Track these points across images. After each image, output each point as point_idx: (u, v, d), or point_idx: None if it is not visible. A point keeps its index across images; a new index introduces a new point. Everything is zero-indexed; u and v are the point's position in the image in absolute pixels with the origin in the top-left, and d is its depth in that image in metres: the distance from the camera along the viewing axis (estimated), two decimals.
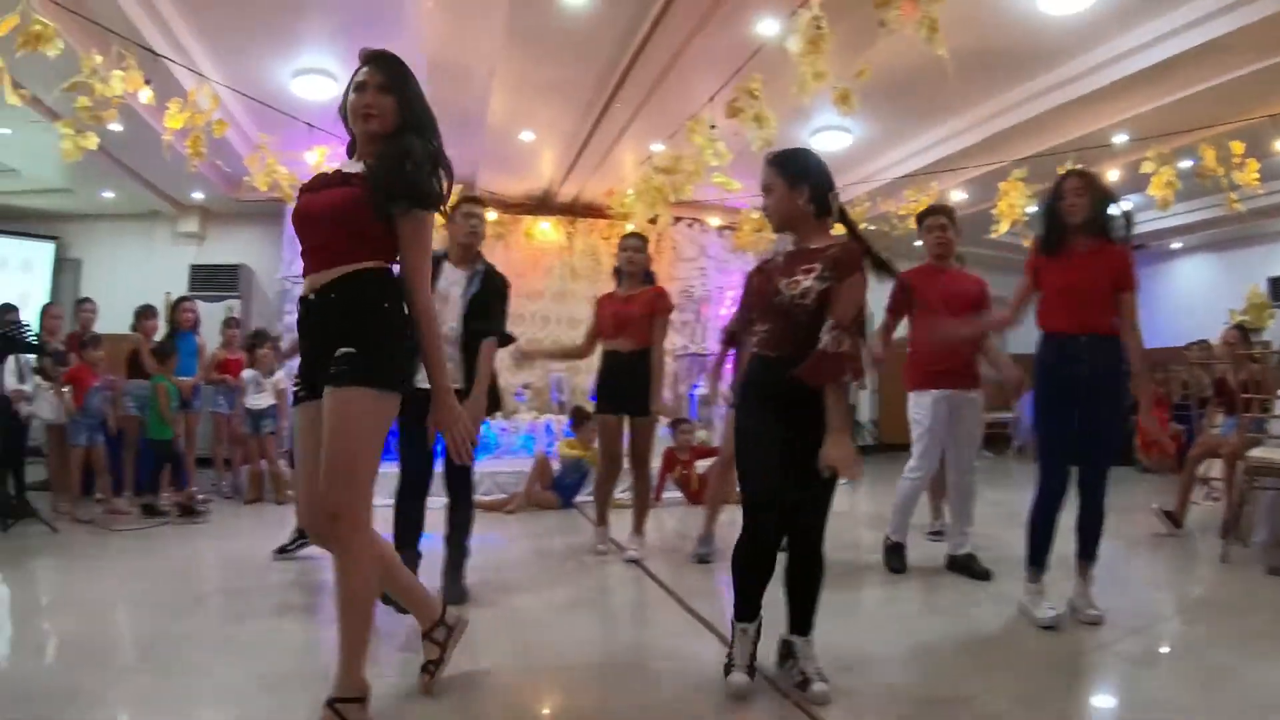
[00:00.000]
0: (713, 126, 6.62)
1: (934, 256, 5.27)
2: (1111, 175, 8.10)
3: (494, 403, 4.64)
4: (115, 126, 7.59)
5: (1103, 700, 3.39)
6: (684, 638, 3.97)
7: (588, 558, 5.82)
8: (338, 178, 2.84)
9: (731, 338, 5.74)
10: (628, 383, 5.60)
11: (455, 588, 4.48)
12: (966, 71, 7.00)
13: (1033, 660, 3.67)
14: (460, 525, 4.63)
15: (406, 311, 2.79)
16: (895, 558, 5.27)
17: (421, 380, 2.87)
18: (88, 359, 7.43)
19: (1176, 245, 13.68)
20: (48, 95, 5.84)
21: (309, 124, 7.31)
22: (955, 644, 3.90)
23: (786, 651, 3.30)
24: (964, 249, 5.84)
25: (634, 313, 5.62)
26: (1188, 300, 13.36)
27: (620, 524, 6.04)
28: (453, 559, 4.60)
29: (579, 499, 8.07)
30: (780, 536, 3.17)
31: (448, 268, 4.62)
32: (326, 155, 7.61)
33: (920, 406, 5.15)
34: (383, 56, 2.90)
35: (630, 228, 10.63)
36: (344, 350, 2.65)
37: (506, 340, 4.71)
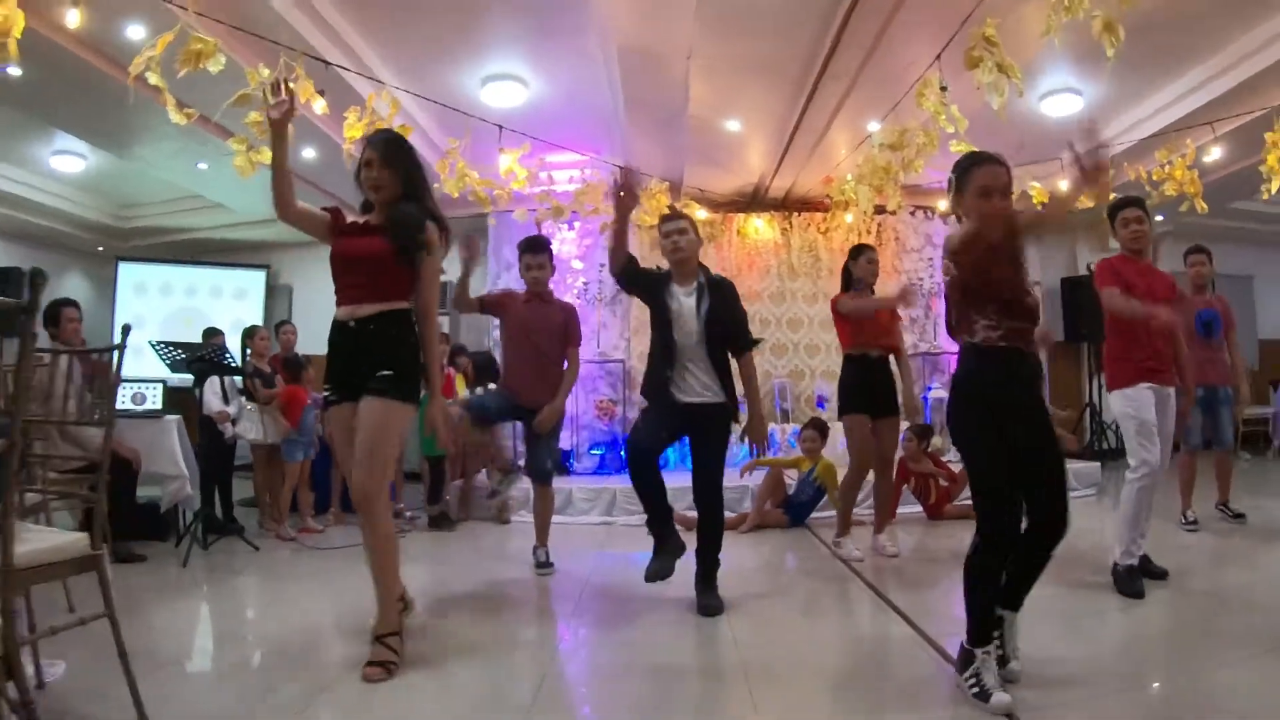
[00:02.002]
0: (944, 88, 5.93)
1: (1131, 251, 5.00)
2: None
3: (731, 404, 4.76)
4: (309, 152, 7.52)
5: None
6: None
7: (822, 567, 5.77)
8: (370, 228, 3.73)
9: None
10: (882, 385, 5.84)
11: (711, 598, 4.55)
12: (1205, 7, 6.37)
13: None
14: (711, 537, 4.68)
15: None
16: (1129, 581, 4.67)
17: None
18: (303, 380, 7.60)
19: None
20: (214, 113, 5.80)
21: (499, 125, 6.95)
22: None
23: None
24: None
25: (885, 317, 5.88)
26: None
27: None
28: (704, 570, 4.65)
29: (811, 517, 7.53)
30: (1016, 539, 3.11)
31: (675, 289, 4.71)
32: (519, 158, 7.33)
33: (1130, 400, 4.79)
34: (384, 139, 3.81)
35: (849, 218, 10.02)
36: (384, 372, 3.53)
37: (753, 344, 4.85)
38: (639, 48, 6.48)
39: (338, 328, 3.66)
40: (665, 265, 4.81)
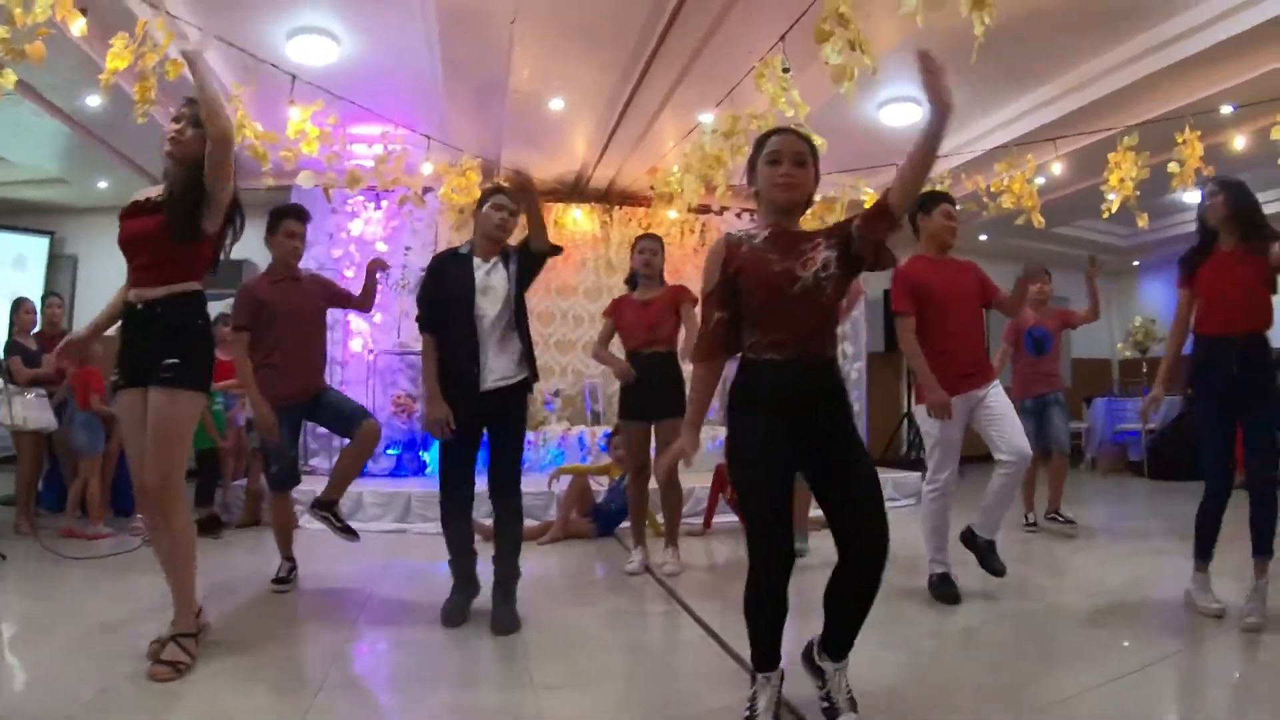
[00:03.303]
0: (786, 70, 5.55)
1: (939, 247, 4.92)
2: (1237, 144, 7.19)
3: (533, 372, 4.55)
4: (93, 100, 6.53)
5: None
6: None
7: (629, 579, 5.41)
8: (152, 205, 3.49)
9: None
10: (657, 387, 5.47)
11: (507, 614, 4.22)
12: (1058, 30, 6.46)
13: None
14: (511, 542, 4.40)
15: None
16: (942, 587, 4.70)
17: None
18: (88, 358, 6.44)
19: None
20: None
21: (293, 75, 6.17)
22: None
23: (814, 672, 3.01)
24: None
25: (658, 312, 5.54)
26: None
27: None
28: (502, 581, 4.34)
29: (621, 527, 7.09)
30: (789, 570, 2.77)
31: (478, 262, 4.44)
32: (311, 116, 6.65)
33: (929, 418, 4.67)
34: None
35: (673, 214, 9.67)
36: (170, 360, 3.36)
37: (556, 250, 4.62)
38: (460, 6, 5.95)
39: (126, 310, 3.53)
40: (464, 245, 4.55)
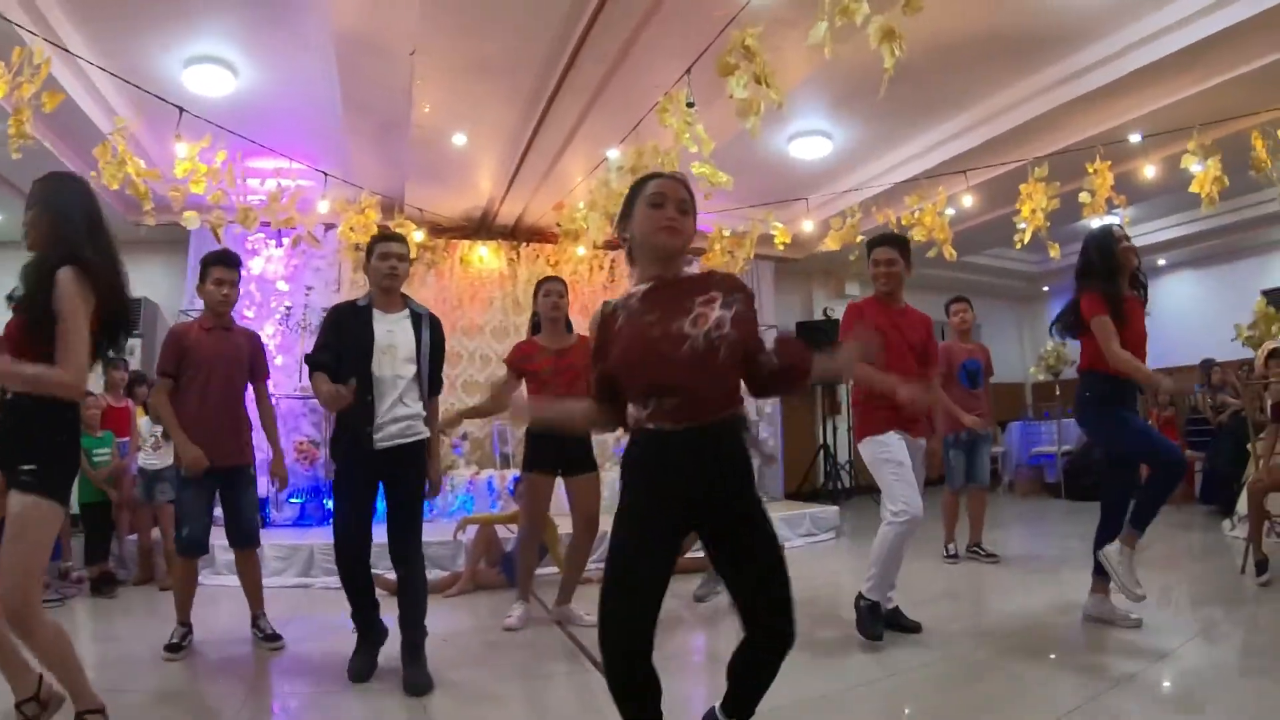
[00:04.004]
0: (691, 104, 5.49)
1: (882, 293, 4.97)
2: (1148, 172, 7.30)
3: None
4: None
5: None
6: None
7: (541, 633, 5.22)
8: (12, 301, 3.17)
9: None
10: (574, 440, 5.26)
11: (418, 673, 4.06)
12: (968, 62, 6.57)
13: None
14: (415, 601, 4.24)
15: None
16: (872, 621, 4.60)
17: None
18: None
19: (1162, 262, 13.48)
20: None
21: (179, 107, 5.88)
22: None
23: None
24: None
25: (577, 364, 5.19)
26: (1179, 318, 12.85)
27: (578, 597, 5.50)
28: (408, 644, 4.18)
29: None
30: (646, 659, 2.48)
31: (378, 315, 4.33)
32: (198, 153, 6.34)
33: (886, 446, 4.67)
34: (39, 180, 3.26)
35: (581, 250, 9.52)
36: (28, 467, 3.03)
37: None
38: (359, 37, 5.77)
39: None
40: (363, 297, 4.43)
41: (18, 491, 3.02)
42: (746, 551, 2.59)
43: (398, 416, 4.19)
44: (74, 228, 3.17)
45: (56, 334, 3.00)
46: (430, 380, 4.40)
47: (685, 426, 2.53)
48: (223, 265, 4.89)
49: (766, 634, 2.60)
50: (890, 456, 4.60)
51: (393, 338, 4.26)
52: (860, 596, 4.64)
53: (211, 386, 4.75)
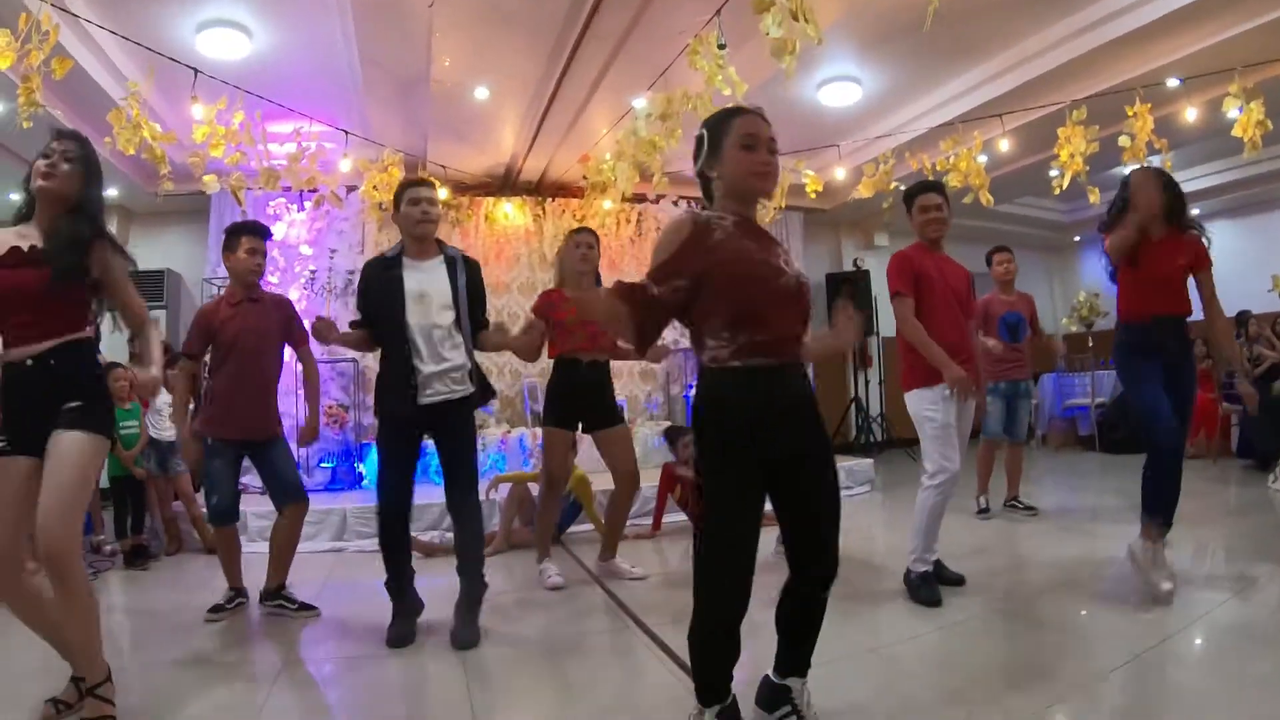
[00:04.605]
0: (722, 46, 5.31)
1: (929, 240, 4.79)
2: (1189, 115, 7.08)
3: (491, 391, 4.45)
4: None
5: None
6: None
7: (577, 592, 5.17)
8: (24, 257, 3.16)
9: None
10: (595, 394, 5.28)
11: (469, 629, 4.08)
12: (1004, 3, 6.43)
13: None
14: (475, 555, 4.28)
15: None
16: (925, 589, 4.46)
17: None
18: None
19: (1197, 211, 12.50)
20: None
21: (194, 69, 5.78)
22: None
23: (777, 696, 2.75)
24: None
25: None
26: (1215, 269, 12.14)
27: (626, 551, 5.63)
28: (468, 593, 4.22)
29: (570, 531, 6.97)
30: (746, 608, 2.51)
31: (409, 264, 4.25)
32: (215, 115, 6.27)
33: (930, 401, 4.50)
34: (78, 136, 3.32)
35: (608, 204, 9.41)
36: (72, 404, 3.10)
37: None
38: None
39: (12, 371, 3.19)
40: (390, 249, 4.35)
41: (64, 429, 3.06)
42: (814, 499, 2.59)
43: (441, 371, 4.11)
44: (100, 201, 3.37)
45: (112, 292, 3.30)
46: (474, 323, 4.31)
47: (774, 363, 2.51)
48: (253, 234, 4.82)
49: (813, 581, 2.62)
50: (934, 414, 4.47)
51: (425, 285, 4.18)
52: (909, 571, 4.55)
53: (239, 362, 4.69)
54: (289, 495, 4.81)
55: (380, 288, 4.19)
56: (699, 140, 2.67)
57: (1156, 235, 4.44)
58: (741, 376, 2.48)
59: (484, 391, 4.35)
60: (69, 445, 3.06)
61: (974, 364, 4.59)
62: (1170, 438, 4.33)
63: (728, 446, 2.48)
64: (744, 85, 5.44)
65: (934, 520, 4.50)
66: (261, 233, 4.89)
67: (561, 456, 5.36)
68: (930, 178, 7.30)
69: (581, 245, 5.28)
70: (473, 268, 4.38)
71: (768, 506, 2.54)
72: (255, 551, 5.75)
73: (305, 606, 4.77)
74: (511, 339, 5.02)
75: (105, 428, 3.22)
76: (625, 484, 5.31)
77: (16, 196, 3.31)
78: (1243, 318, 10.16)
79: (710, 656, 2.55)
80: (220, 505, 4.72)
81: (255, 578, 4.88)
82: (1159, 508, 4.34)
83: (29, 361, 3.13)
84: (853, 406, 12.23)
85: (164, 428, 6.87)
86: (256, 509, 5.03)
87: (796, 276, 2.58)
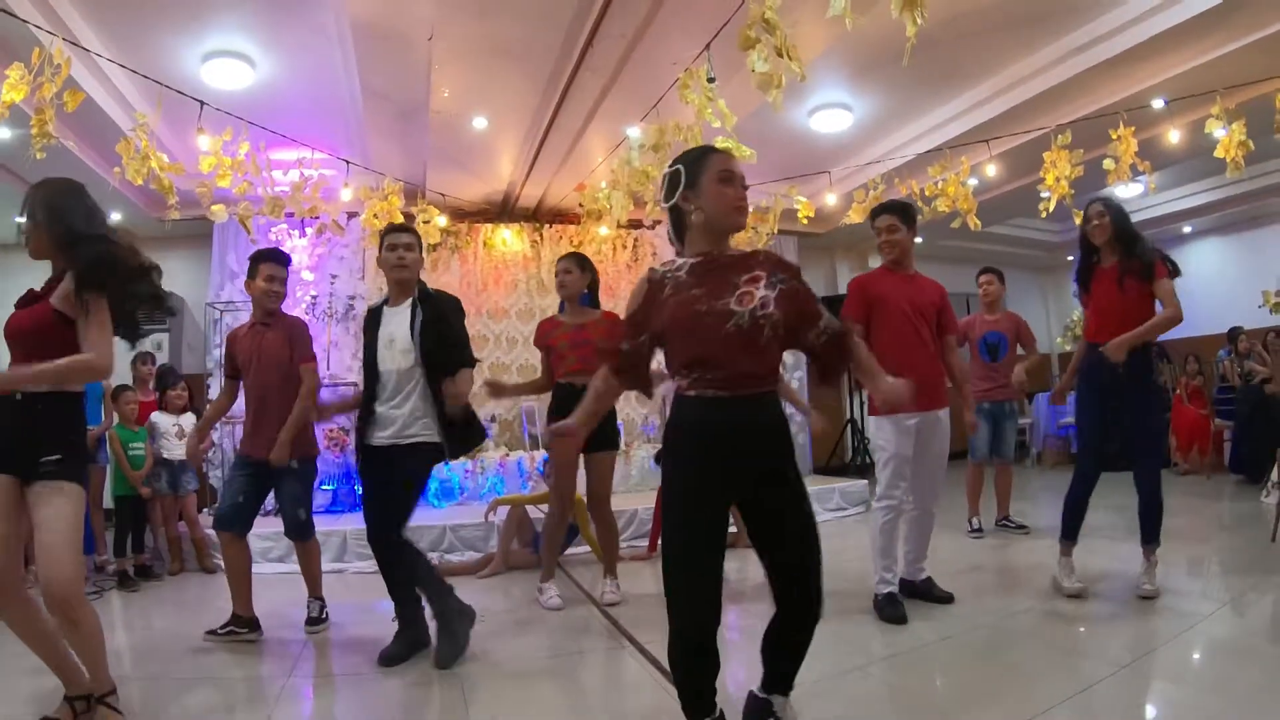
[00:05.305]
0: (711, 79, 5.45)
1: (889, 262, 4.93)
2: (1172, 137, 7.15)
3: (476, 434, 4.54)
4: (3, 131, 6.21)
5: None
6: None
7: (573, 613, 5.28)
8: (35, 296, 3.34)
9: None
10: None
11: (441, 646, 4.17)
12: (988, 30, 6.49)
13: None
14: (404, 585, 4.32)
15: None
16: (889, 607, 4.62)
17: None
18: None
19: (1188, 229, 13.30)
20: None
21: (200, 101, 5.91)
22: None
23: (759, 712, 2.82)
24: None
25: (593, 340, 5.21)
26: (1205, 286, 12.54)
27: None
28: (436, 617, 4.30)
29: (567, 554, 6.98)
30: (715, 626, 2.57)
31: (388, 311, 4.42)
32: (221, 146, 6.42)
33: (885, 431, 4.70)
34: (31, 189, 3.36)
35: (604, 230, 9.52)
36: (52, 457, 3.17)
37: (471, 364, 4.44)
38: (376, 25, 5.77)
39: (4, 401, 3.25)
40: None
41: (46, 481, 3.15)
42: (783, 523, 2.64)
43: (393, 414, 4.23)
44: (73, 227, 3.30)
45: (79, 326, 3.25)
46: (446, 359, 4.28)
47: (726, 395, 2.58)
48: (273, 262, 4.99)
49: (798, 606, 2.66)
50: (887, 445, 4.66)
51: (394, 329, 4.31)
52: (875, 595, 4.70)
53: (253, 383, 4.86)
54: (287, 530, 4.98)
55: (367, 331, 4.39)
56: (673, 176, 2.75)
57: (1106, 263, 4.67)
58: (698, 404, 2.61)
59: (453, 440, 4.33)
60: (58, 506, 3.14)
61: (934, 381, 4.72)
62: (1082, 462, 4.81)
63: (680, 463, 2.64)
64: (733, 118, 5.57)
65: (888, 542, 4.68)
66: (282, 260, 5.07)
67: (571, 477, 5.45)
68: (919, 203, 7.44)
69: (559, 272, 5.51)
70: (436, 306, 4.39)
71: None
72: (258, 573, 5.85)
73: (312, 620, 4.94)
74: (522, 386, 5.44)
75: (81, 477, 3.29)
76: (597, 506, 5.50)
77: (21, 220, 3.37)
78: (1233, 333, 10.28)
79: (684, 670, 2.62)
80: (220, 509, 4.93)
81: (262, 603, 4.90)
82: (1066, 530, 4.81)
83: (18, 396, 3.20)
84: (848, 428, 12.32)
85: (173, 448, 7.00)
86: (256, 530, 5.08)
87: (751, 312, 2.57)
